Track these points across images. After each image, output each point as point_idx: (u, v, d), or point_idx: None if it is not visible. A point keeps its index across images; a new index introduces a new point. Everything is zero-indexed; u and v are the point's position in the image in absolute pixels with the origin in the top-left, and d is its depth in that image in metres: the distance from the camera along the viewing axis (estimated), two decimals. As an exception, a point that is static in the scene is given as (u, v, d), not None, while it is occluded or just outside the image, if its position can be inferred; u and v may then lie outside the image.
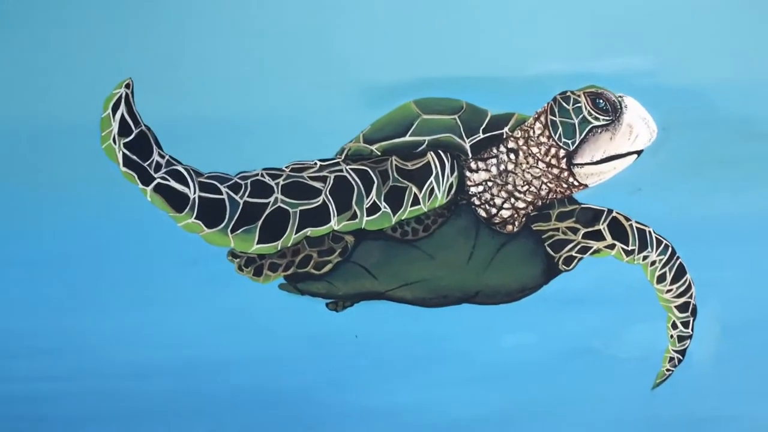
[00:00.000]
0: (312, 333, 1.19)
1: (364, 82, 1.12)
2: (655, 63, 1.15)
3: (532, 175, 1.13)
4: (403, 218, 1.09)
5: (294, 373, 1.21)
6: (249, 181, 1.03)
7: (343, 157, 1.12)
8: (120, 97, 0.97)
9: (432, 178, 1.09)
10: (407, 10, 1.13)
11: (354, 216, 1.06)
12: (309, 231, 1.04)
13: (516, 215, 1.15)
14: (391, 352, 1.20)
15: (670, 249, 1.18)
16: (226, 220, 1.01)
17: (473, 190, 1.14)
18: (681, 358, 1.21)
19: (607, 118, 1.12)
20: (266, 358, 1.20)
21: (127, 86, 0.98)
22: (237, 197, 1.01)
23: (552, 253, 1.18)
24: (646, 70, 1.15)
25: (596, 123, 1.12)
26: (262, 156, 1.07)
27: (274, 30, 1.13)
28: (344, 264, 1.14)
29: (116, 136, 0.97)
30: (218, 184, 1.01)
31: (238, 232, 1.01)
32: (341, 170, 1.07)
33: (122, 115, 0.97)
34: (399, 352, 1.20)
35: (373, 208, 1.07)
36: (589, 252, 1.18)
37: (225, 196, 1.01)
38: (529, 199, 1.14)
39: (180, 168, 1.00)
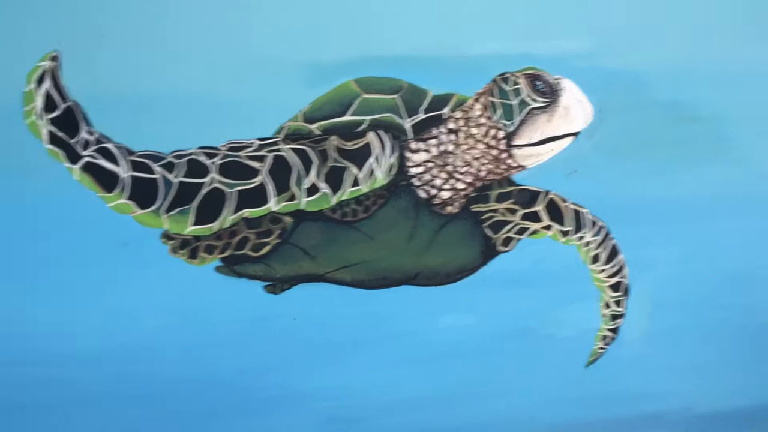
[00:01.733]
0: (249, 316, 1.17)
1: (304, 59, 1.09)
2: (591, 46, 1.16)
3: (471, 156, 1.13)
4: (342, 199, 1.07)
5: (231, 358, 1.18)
6: (184, 160, 0.99)
7: (282, 136, 1.09)
8: (45, 70, 0.92)
9: (372, 159, 1.08)
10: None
11: (293, 197, 1.04)
12: (247, 212, 1.01)
13: (456, 196, 1.15)
14: (330, 334, 1.19)
15: (604, 230, 1.20)
16: (159, 200, 0.97)
17: (413, 170, 1.13)
18: (614, 336, 1.24)
19: (545, 100, 1.13)
20: (202, 343, 1.17)
21: (54, 59, 0.93)
22: (171, 177, 0.98)
23: (491, 234, 1.18)
24: (583, 53, 1.16)
25: (534, 105, 1.12)
26: (198, 134, 1.03)
27: (211, 2, 1.09)
28: (283, 246, 1.12)
29: (41, 112, 0.91)
30: (151, 163, 0.97)
31: (173, 213, 0.98)
32: (280, 150, 1.04)
33: (47, 90, 0.92)
34: (338, 335, 1.19)
35: (313, 189, 1.05)
36: (527, 233, 1.19)
37: (158, 176, 0.97)
38: (469, 180, 1.14)
39: (110, 146, 0.95)
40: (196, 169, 0.99)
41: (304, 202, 1.05)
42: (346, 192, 1.07)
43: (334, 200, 1.07)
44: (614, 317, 1.23)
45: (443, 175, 1.13)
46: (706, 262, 1.24)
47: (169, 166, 0.98)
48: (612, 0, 1.16)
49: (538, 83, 1.13)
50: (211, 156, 1.01)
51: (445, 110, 1.12)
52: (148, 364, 1.17)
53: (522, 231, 1.19)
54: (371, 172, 1.08)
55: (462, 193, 1.15)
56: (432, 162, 1.13)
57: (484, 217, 1.18)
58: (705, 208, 1.22)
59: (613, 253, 1.21)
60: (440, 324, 1.20)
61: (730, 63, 1.19)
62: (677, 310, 1.24)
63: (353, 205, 1.11)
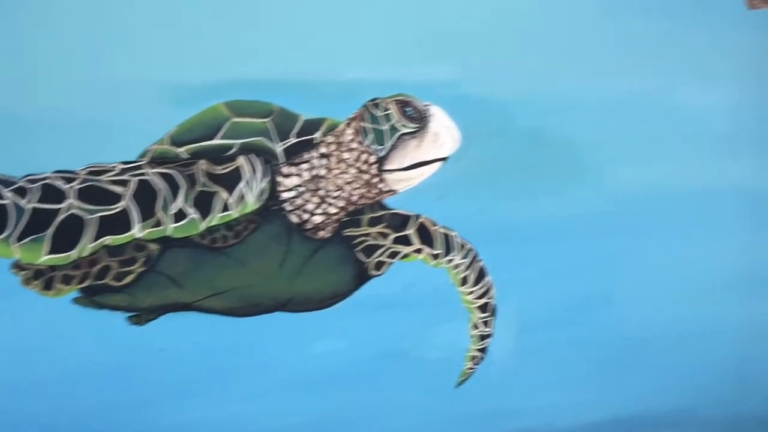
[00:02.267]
0: (112, 349, 1.10)
1: (171, 81, 1.06)
2: (458, 74, 1.20)
3: (343, 180, 1.13)
4: (212, 225, 1.04)
5: (94, 393, 1.11)
6: (38, 185, 0.93)
7: (147, 159, 1.05)
8: None
9: (243, 183, 1.06)
10: (218, 8, 1.08)
11: (159, 223, 0.99)
12: (108, 239, 0.96)
13: (328, 221, 1.14)
14: (200, 365, 1.15)
15: (472, 252, 1.23)
16: (9, 228, 0.90)
17: (285, 195, 1.12)
18: (482, 355, 1.27)
19: (415, 125, 1.15)
20: (61, 379, 1.09)
21: None
22: (23, 203, 0.91)
23: (363, 258, 1.19)
24: (451, 81, 1.19)
25: (405, 130, 1.14)
26: (54, 157, 0.97)
27: (72, 20, 1.03)
28: (148, 274, 1.07)
29: None
30: (0, 188, 0.90)
31: (25, 241, 0.91)
32: (145, 174, 1.00)
33: None
34: (208, 365, 1.15)
35: (180, 215, 1.01)
36: (399, 257, 1.20)
37: (8, 202, 0.90)
38: (341, 205, 1.14)
39: (-48, 169, 0.88)
40: (52, 194, 0.93)
41: (170, 228, 1.01)
42: (216, 217, 1.04)
43: (202, 226, 1.03)
44: (482, 337, 1.26)
45: (315, 199, 1.13)
46: (566, 281, 1.30)
47: (21, 192, 0.92)
48: (478, 30, 1.20)
49: (408, 109, 1.15)
50: (68, 180, 0.95)
51: (317, 135, 1.12)
52: (4, 404, 1.08)
53: (394, 255, 1.20)
54: (242, 197, 1.06)
55: (334, 217, 1.14)
56: (304, 186, 1.12)
57: (356, 241, 1.18)
58: (564, 229, 1.28)
59: (481, 275, 1.24)
60: (313, 350, 1.19)
61: (584, 93, 1.26)
62: (541, 328, 1.29)
63: (223, 230, 1.08)
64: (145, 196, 0.98)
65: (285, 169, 1.11)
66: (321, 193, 1.13)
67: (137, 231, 0.98)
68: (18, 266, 1.01)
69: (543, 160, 1.26)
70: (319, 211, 1.13)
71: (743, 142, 1.36)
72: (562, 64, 1.25)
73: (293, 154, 1.11)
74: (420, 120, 1.15)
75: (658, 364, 1.39)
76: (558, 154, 1.26)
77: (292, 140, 1.11)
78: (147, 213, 0.98)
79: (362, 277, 1.19)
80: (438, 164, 1.18)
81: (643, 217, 1.32)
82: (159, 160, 1.04)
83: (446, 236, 1.22)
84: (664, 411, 1.40)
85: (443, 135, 1.17)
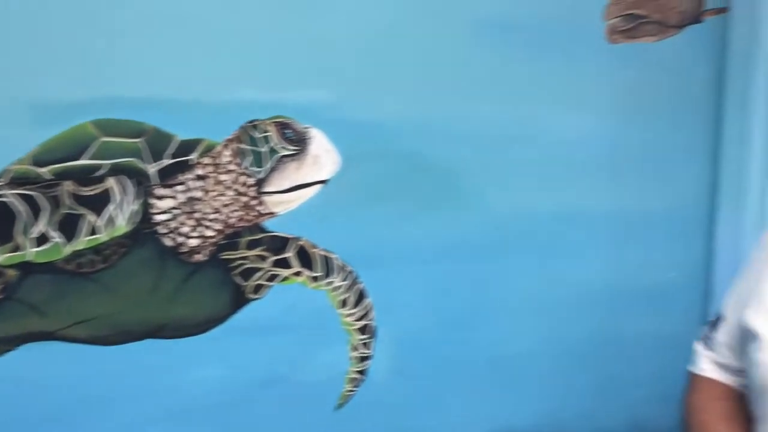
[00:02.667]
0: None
1: (32, 97, 0.99)
2: (339, 97, 1.20)
3: (220, 203, 1.11)
4: (78, 249, 0.99)
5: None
6: None
7: (5, 181, 0.98)
8: None
9: (112, 206, 1.01)
10: (86, 19, 1.03)
11: (17, 247, 0.93)
12: (-40, 266, 0.89)
13: (204, 244, 1.11)
14: (64, 397, 1.08)
15: (352, 275, 1.23)
16: None
17: (159, 218, 1.08)
18: (362, 377, 1.27)
19: (295, 148, 1.14)
20: None
21: None
22: None
23: (241, 281, 1.16)
24: (330, 103, 1.19)
25: (284, 152, 1.14)
26: None
27: None
28: (5, 302, 1.00)
29: None
30: None
31: None
32: (2, 196, 0.93)
33: None
34: (72, 397, 1.08)
35: (42, 238, 0.95)
36: (278, 280, 1.18)
37: None
38: (218, 228, 1.11)
39: None
40: None
41: (31, 252, 0.95)
42: (82, 241, 0.99)
43: (67, 250, 0.98)
44: (362, 359, 1.26)
45: (191, 222, 1.09)
46: (443, 301, 1.32)
47: None
48: (358, 53, 1.21)
49: (287, 131, 1.14)
50: None
51: (193, 156, 1.09)
52: None
53: (273, 278, 1.18)
54: (111, 220, 1.01)
55: (211, 240, 1.12)
56: (179, 209, 1.09)
57: (233, 264, 1.16)
58: (442, 251, 1.31)
59: (361, 297, 1.25)
60: (188, 377, 1.14)
61: (461, 118, 1.29)
62: (419, 348, 1.31)
63: (90, 254, 1.03)
64: (3, 219, 0.91)
65: (159, 191, 1.07)
66: (197, 215, 1.10)
67: (-7, 256, 0.91)
68: None
69: (421, 183, 1.28)
70: (194, 234, 1.10)
71: (604, 167, 1.43)
72: (441, 90, 1.28)
73: (168, 175, 1.08)
74: (300, 142, 1.15)
75: (529, 381, 1.43)
76: (436, 177, 1.29)
77: (167, 161, 1.07)
78: (5, 237, 0.92)
79: (240, 300, 1.16)
80: (318, 187, 1.18)
81: (515, 238, 1.37)
82: (19, 180, 0.98)
83: (326, 258, 1.21)
84: (534, 425, 1.45)
85: (323, 157, 1.18)
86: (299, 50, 1.17)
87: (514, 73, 1.33)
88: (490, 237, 1.35)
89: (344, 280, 1.23)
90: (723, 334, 1.06)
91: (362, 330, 1.26)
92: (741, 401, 1.00)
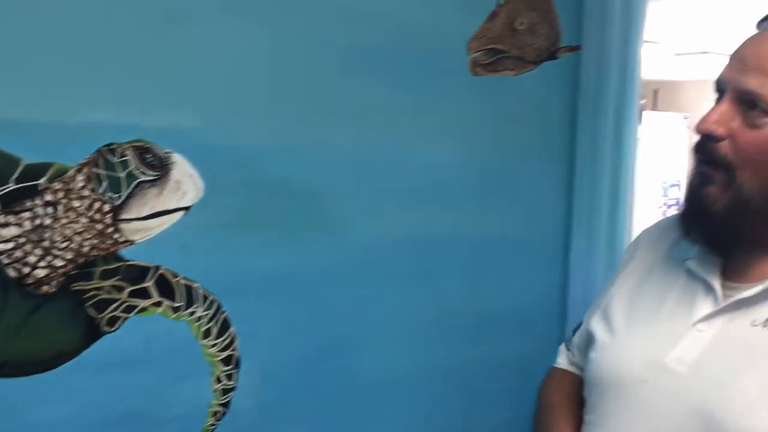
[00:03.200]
0: None
1: None
2: (202, 122, 1.17)
3: (72, 230, 1.05)
4: None
5: None
6: None
7: None
8: None
9: (-53, 234, 0.93)
10: None
11: None
12: None
13: (53, 274, 1.05)
14: None
15: (215, 304, 1.20)
16: None
17: (1, 247, 1.00)
18: (225, 410, 1.23)
19: (155, 173, 1.11)
20: None
21: None
22: None
23: (94, 314, 1.10)
24: (194, 128, 1.16)
25: (144, 178, 1.10)
26: None
27: None
28: None
29: None
30: None
31: None
32: None
33: None
34: None
35: None
36: (136, 311, 1.13)
37: None
38: (69, 257, 1.05)
39: None
40: None
41: None
42: None
43: None
44: (225, 391, 1.23)
45: (38, 251, 1.03)
46: (310, 329, 1.31)
47: None
48: (224, 78, 1.18)
49: (147, 156, 1.11)
50: None
51: (42, 181, 1.03)
52: None
53: (130, 309, 1.13)
54: (-54, 250, 0.93)
55: (61, 270, 1.05)
56: (25, 237, 1.02)
57: (87, 296, 1.09)
58: (309, 279, 1.30)
59: (225, 327, 1.21)
60: (32, 419, 1.06)
61: (329, 146, 1.30)
62: (285, 378, 1.29)
63: None
64: None
65: (2, 218, 1.00)
66: (45, 244, 1.03)
67: None
68: None
69: (287, 210, 1.26)
70: (42, 263, 1.04)
71: (468, 195, 1.48)
72: (307, 116, 1.28)
73: (12, 201, 1.01)
74: (161, 168, 1.12)
75: (400, 405, 1.45)
76: (302, 204, 1.28)
77: (11, 186, 1.00)
78: None
79: (93, 334, 1.10)
80: (180, 213, 1.15)
81: (382, 264, 1.39)
82: None
83: (188, 288, 1.17)
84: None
85: (185, 183, 1.15)
86: (162, 72, 1.13)
87: (381, 102, 1.36)
88: (357, 263, 1.36)
89: (207, 309, 1.19)
90: (577, 337, 1.16)
91: (226, 361, 1.22)
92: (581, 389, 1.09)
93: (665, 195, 6.85)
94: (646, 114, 6.50)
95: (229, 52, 1.19)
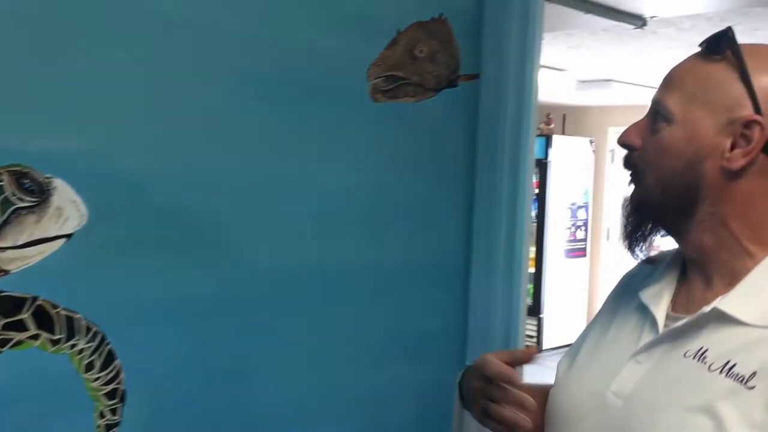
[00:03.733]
0: None
1: None
2: (87, 146, 1.13)
3: (-62, 260, 0.99)
4: None
5: None
6: None
7: None
8: None
9: None
10: None
11: None
12: None
13: None
14: None
15: (99, 335, 1.15)
16: None
17: None
18: (109, 447, 1.18)
19: (34, 199, 1.06)
20: None
21: None
22: None
23: (-38, 350, 1.03)
24: (78, 153, 1.12)
25: (21, 204, 1.05)
26: None
27: None
28: None
29: None
30: None
31: None
32: None
33: None
34: None
35: None
36: (10, 345, 1.07)
37: None
38: (-65, 289, 0.99)
39: None
40: None
41: None
42: None
43: None
44: (109, 427, 1.17)
45: None
46: (202, 358, 1.27)
47: None
48: (111, 102, 1.14)
49: (25, 182, 1.06)
50: None
51: None
52: None
53: (3, 343, 1.06)
54: None
55: (-76, 304, 0.98)
56: None
57: (-47, 330, 1.02)
58: (198, 307, 1.26)
59: (109, 359, 1.16)
60: None
61: (223, 172, 1.27)
62: (175, 411, 1.24)
63: None
64: None
65: None
66: None
67: None
68: None
69: (179, 237, 1.23)
70: None
71: (369, 221, 1.48)
72: (202, 141, 1.25)
73: None
74: (40, 193, 1.07)
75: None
76: (194, 231, 1.25)
77: None
78: None
79: (-39, 371, 1.03)
80: (61, 241, 1.10)
81: (279, 291, 1.36)
82: None
83: (69, 319, 1.12)
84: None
85: (67, 210, 1.10)
86: (46, 97, 1.09)
87: (280, 127, 1.34)
88: (253, 291, 1.33)
89: (90, 341, 1.14)
90: None
91: (110, 395, 1.17)
92: None
93: (573, 216, 7.08)
94: (556, 138, 6.72)
95: (117, 77, 1.15)
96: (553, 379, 1.08)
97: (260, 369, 1.36)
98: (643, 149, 0.95)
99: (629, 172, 0.98)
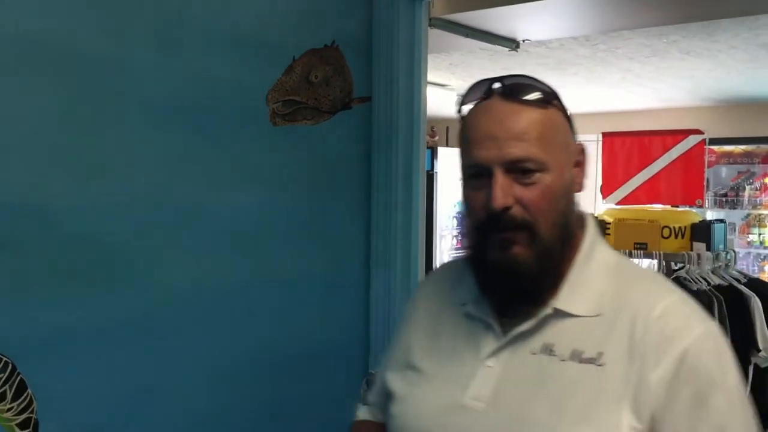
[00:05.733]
0: None
1: None
2: (-8, 177, 1.13)
3: None
4: None
5: None
6: None
7: None
8: None
9: None
10: None
11: None
12: None
13: None
14: None
15: (10, 365, 1.15)
16: None
17: None
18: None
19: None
20: None
21: None
22: None
23: None
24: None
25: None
26: None
27: None
28: None
29: None
30: None
31: None
32: None
33: None
34: None
35: None
36: None
37: None
38: None
39: None
40: None
41: None
42: None
43: None
44: (23, 457, 1.17)
45: None
46: (114, 382, 1.28)
47: None
48: (15, 135, 1.15)
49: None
50: None
51: None
52: None
53: None
54: None
55: None
56: None
57: None
58: (105, 333, 1.27)
59: (21, 389, 1.16)
60: None
61: (128, 199, 1.30)
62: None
63: None
64: None
65: None
66: None
67: None
68: None
69: (83, 266, 1.24)
70: None
71: (273, 239, 1.54)
72: (107, 171, 1.28)
73: None
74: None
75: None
76: (106, 258, 1.27)
77: None
78: None
79: None
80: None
81: (187, 314, 1.40)
82: None
83: (-23, 351, 1.11)
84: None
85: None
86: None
87: (185, 154, 1.38)
88: (162, 314, 1.36)
89: (1, 372, 1.14)
90: (373, 396, 1.21)
91: (23, 425, 1.17)
92: None
93: (459, 224, 7.34)
94: (441, 150, 6.95)
95: (22, 109, 1.16)
96: None
97: (170, 390, 1.38)
98: (523, 205, 0.97)
99: (511, 235, 0.98)
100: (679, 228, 3.04)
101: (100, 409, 1.27)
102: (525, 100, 0.99)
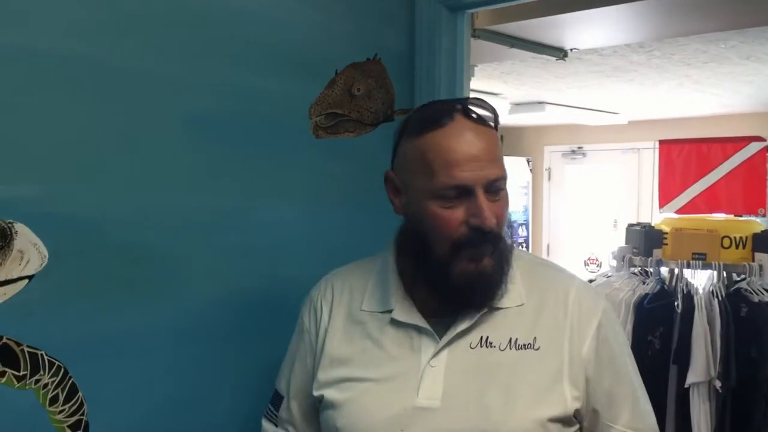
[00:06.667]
0: None
1: None
2: (44, 191, 1.19)
3: None
4: None
5: None
6: None
7: None
8: None
9: None
10: None
11: None
12: None
13: None
14: None
15: (62, 370, 1.21)
16: None
17: None
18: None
19: (-3, 244, 1.11)
20: None
21: None
22: None
23: (-69, 389, 1.08)
24: (34, 198, 1.18)
25: (-16, 249, 1.10)
26: None
27: None
28: None
29: None
30: None
31: None
32: None
33: None
34: None
35: None
36: (-24, 383, 1.12)
37: None
38: None
39: None
40: None
41: None
42: None
43: None
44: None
45: None
46: (157, 389, 1.33)
47: None
48: (65, 147, 1.21)
49: (-13, 227, 1.11)
50: None
51: None
52: None
53: (-32, 381, 1.11)
54: None
55: None
56: None
57: None
58: (156, 340, 1.32)
59: (72, 392, 1.22)
60: None
61: (173, 211, 1.34)
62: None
63: None
64: None
65: None
66: None
67: None
68: None
69: (132, 274, 1.29)
70: None
71: (313, 250, 1.57)
72: (152, 183, 1.32)
73: None
74: (2, 238, 1.12)
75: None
76: (148, 268, 1.31)
77: None
78: None
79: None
80: (23, 282, 1.15)
81: (230, 321, 1.44)
82: None
83: (33, 355, 1.17)
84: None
85: (29, 252, 1.16)
86: (2, 144, 1.15)
87: (227, 165, 1.42)
88: (205, 322, 1.40)
89: (53, 376, 1.19)
90: (286, 412, 1.23)
91: (74, 427, 1.22)
92: None
93: (515, 234, 7.29)
94: (495, 158, 6.92)
95: (71, 122, 1.22)
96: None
97: (215, 398, 1.42)
98: (496, 219, 1.08)
99: (484, 248, 1.07)
100: (740, 238, 2.96)
101: (145, 412, 1.32)
102: (487, 122, 1.09)
